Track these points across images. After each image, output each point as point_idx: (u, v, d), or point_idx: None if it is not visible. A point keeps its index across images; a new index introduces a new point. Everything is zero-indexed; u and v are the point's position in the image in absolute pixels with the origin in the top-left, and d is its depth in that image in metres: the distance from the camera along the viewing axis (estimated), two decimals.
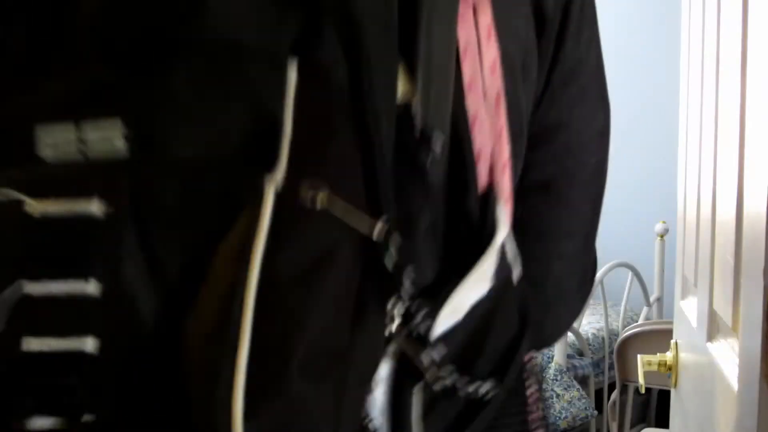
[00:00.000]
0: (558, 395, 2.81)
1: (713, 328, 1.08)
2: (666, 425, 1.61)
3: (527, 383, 0.49)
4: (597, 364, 3.09)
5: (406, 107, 0.38)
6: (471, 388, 0.40)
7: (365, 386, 0.34)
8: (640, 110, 3.90)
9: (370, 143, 0.34)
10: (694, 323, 1.23)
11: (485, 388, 0.40)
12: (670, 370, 1.42)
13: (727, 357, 0.96)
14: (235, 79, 0.33)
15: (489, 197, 0.45)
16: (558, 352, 2.88)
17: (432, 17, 0.40)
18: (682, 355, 1.38)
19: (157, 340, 0.30)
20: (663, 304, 3.37)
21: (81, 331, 0.30)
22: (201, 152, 0.32)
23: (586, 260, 0.65)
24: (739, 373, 0.84)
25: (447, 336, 0.39)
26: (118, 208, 0.31)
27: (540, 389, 0.52)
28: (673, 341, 1.44)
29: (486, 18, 0.47)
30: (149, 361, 0.30)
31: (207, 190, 0.32)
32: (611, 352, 2.89)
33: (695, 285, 1.24)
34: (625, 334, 2.70)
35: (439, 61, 0.41)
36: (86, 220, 0.30)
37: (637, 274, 3.25)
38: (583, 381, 2.96)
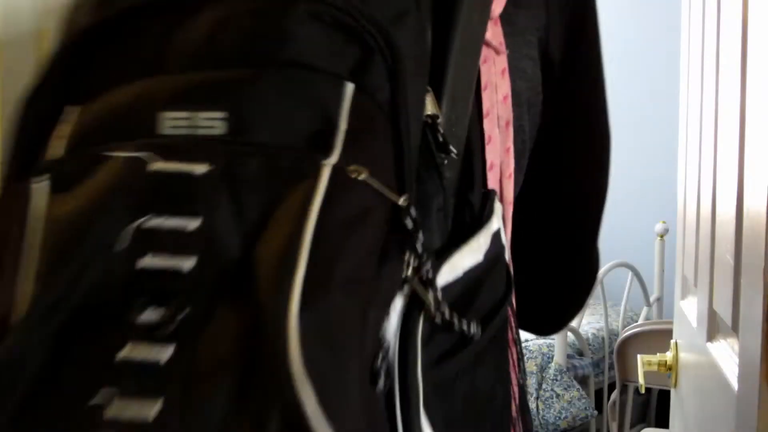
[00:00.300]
0: (558, 395, 2.81)
1: (713, 328, 1.08)
2: (666, 425, 1.61)
3: (508, 331, 0.62)
4: (597, 364, 3.09)
5: (434, 122, 0.52)
6: (463, 325, 0.52)
7: (384, 310, 0.46)
8: (641, 110, 3.91)
9: (401, 143, 0.48)
10: (694, 323, 1.23)
11: (473, 328, 0.53)
12: (670, 370, 1.42)
13: (727, 357, 0.96)
14: (307, 90, 0.47)
15: (490, 195, 0.60)
16: (558, 352, 2.88)
17: (458, 60, 0.55)
18: (682, 355, 1.38)
19: (237, 262, 0.42)
20: (663, 304, 3.37)
21: (183, 254, 0.43)
22: (278, 139, 0.46)
23: (588, 260, 0.78)
24: (739, 373, 0.84)
25: (448, 285, 0.52)
26: (215, 171, 0.44)
27: (517, 335, 0.66)
28: (673, 341, 1.44)
29: (502, 60, 0.63)
30: (231, 277, 0.42)
31: (280, 165, 0.45)
32: (611, 352, 2.89)
33: (695, 285, 1.24)
34: (625, 334, 2.70)
35: (461, 92, 0.56)
36: (193, 176, 0.44)
37: (637, 274, 3.25)
38: (583, 381, 2.97)
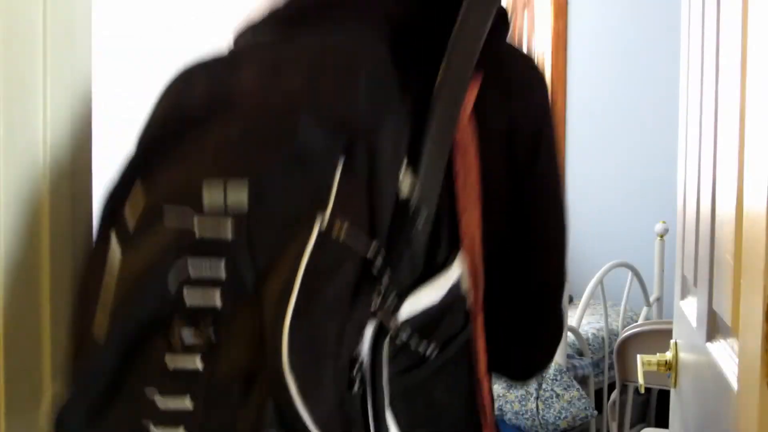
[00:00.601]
0: (558, 395, 2.81)
1: (713, 328, 1.08)
2: (666, 425, 1.61)
3: (468, 359, 0.78)
4: (597, 364, 3.09)
5: (410, 193, 0.68)
6: (420, 347, 0.71)
7: (358, 332, 0.64)
8: (641, 110, 3.90)
9: (375, 205, 0.65)
10: (693, 323, 1.23)
11: (429, 350, 0.72)
12: (669, 370, 1.42)
13: (727, 357, 0.96)
14: (308, 168, 0.64)
15: (453, 250, 0.76)
16: (558, 352, 2.87)
17: (431, 147, 0.71)
18: (682, 355, 1.38)
19: (251, 295, 0.60)
20: (663, 304, 3.37)
21: (213, 290, 0.61)
22: (286, 202, 0.63)
23: (551, 324, 0.90)
24: (739, 373, 0.84)
25: (414, 314, 0.70)
26: (239, 234, 0.62)
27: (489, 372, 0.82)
28: (672, 341, 1.44)
29: (472, 149, 0.79)
30: (244, 303, 0.60)
31: (284, 223, 0.62)
32: (611, 352, 2.88)
33: (695, 285, 1.24)
34: (625, 334, 2.70)
35: (433, 170, 0.71)
36: (225, 238, 0.62)
37: (637, 274, 3.25)
38: (583, 381, 2.96)
